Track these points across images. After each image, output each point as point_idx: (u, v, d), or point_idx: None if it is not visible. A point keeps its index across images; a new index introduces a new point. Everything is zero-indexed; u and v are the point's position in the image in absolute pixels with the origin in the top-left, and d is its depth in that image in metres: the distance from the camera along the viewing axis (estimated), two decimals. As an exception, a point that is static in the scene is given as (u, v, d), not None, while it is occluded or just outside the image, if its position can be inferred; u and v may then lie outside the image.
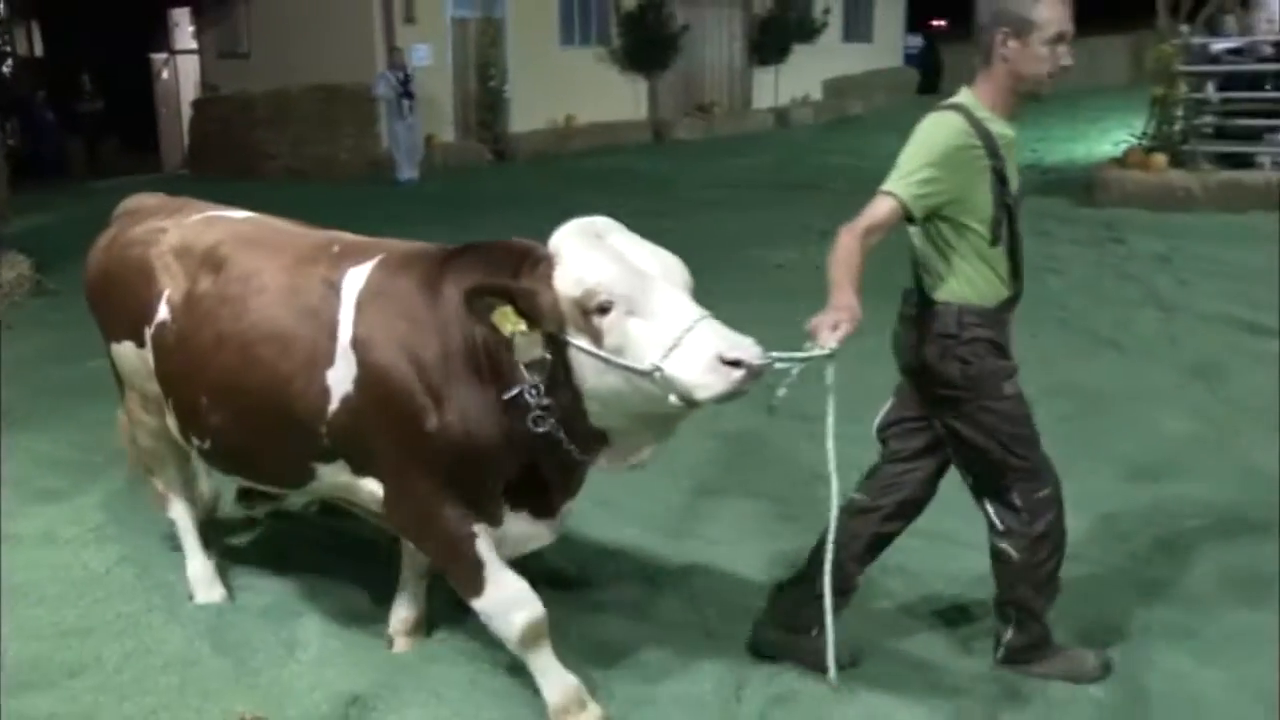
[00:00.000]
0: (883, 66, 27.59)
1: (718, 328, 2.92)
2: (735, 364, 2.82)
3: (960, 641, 3.89)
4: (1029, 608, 3.56)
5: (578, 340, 3.01)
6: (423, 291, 3.28)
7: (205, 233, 3.85)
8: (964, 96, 3.43)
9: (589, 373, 3.03)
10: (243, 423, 3.59)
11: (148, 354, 3.89)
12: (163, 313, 3.79)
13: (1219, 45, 13.62)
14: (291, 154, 17.96)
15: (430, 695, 3.58)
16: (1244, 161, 13.05)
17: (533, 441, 3.15)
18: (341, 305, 3.37)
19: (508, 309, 3.01)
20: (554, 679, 3.39)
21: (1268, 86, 13.37)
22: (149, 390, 3.99)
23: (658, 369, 2.88)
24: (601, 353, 2.97)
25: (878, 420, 3.70)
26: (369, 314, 3.32)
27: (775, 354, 2.96)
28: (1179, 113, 13.07)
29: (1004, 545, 3.51)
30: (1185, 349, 7.24)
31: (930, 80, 28.41)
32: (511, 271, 3.13)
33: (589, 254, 3.04)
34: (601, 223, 3.20)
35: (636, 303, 2.96)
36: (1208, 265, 9.47)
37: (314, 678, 3.68)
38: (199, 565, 4.26)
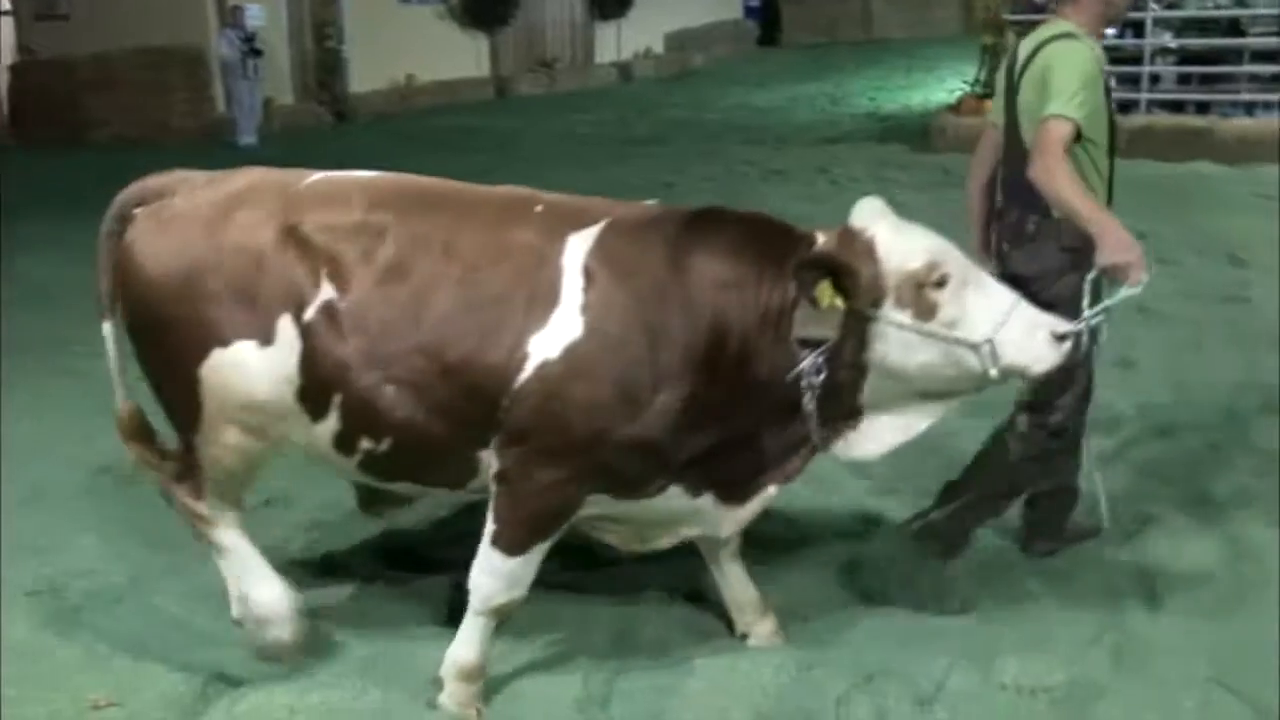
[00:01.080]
0: (723, 19, 27.78)
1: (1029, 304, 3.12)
2: (1062, 338, 3.04)
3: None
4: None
5: (897, 314, 3.06)
6: (665, 263, 3.14)
7: (339, 201, 3.32)
8: (1066, 25, 3.73)
9: (896, 347, 3.09)
10: (433, 412, 3.17)
11: (285, 352, 3.21)
12: (324, 295, 3.18)
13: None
14: (121, 120, 17.29)
15: (301, 673, 3.52)
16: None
17: (773, 421, 3.21)
18: (565, 272, 3.13)
19: (827, 283, 2.99)
20: (478, 645, 3.33)
21: (1111, 32, 13.96)
22: (269, 402, 3.27)
23: (989, 341, 3.02)
24: (928, 326, 3.05)
25: None
26: (601, 282, 3.12)
27: (1087, 313, 3.26)
28: (1003, 60, 13.54)
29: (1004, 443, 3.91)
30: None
31: (770, 32, 28.71)
32: (785, 247, 3.17)
33: (914, 230, 3.13)
34: (881, 202, 3.24)
35: (969, 277, 3.08)
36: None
37: (172, 661, 3.62)
38: (278, 591, 3.56)
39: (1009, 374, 3.10)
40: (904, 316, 3.06)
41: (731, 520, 3.42)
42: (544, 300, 3.10)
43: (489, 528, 3.23)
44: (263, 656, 3.55)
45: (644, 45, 24.41)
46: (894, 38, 27.57)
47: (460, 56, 20.71)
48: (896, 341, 3.08)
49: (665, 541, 3.50)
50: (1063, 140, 3.51)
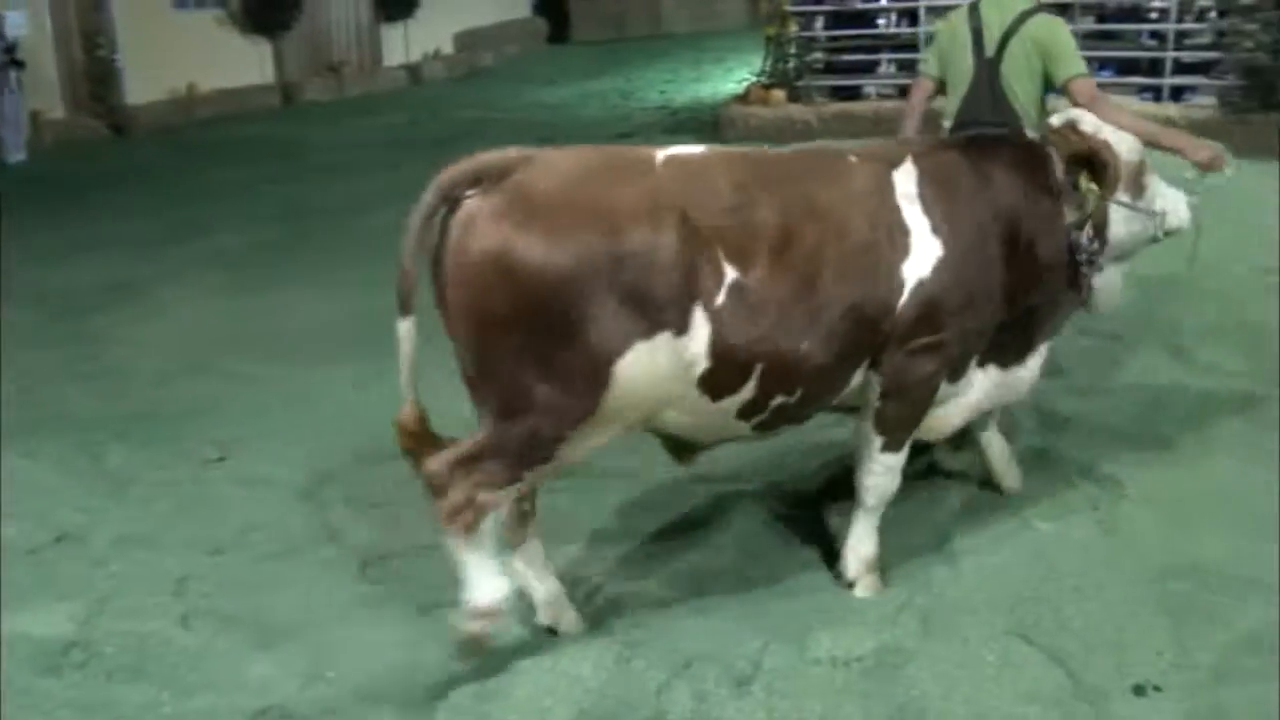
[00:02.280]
0: (512, 17, 27.66)
1: None
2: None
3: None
4: None
5: (1124, 196, 3.99)
6: (971, 180, 3.78)
7: (705, 180, 3.36)
8: (1029, 1, 4.58)
9: (1121, 222, 4.01)
10: (834, 354, 3.52)
11: (694, 337, 3.25)
12: (729, 277, 3.27)
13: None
14: None
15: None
16: (853, 93, 14.11)
17: (1060, 292, 4.00)
18: (905, 205, 3.64)
19: (1086, 174, 3.87)
20: (875, 536, 3.91)
21: (882, 23, 14.48)
22: (672, 390, 3.30)
23: (1163, 212, 4.09)
24: (1140, 204, 4.04)
25: None
26: (938, 205, 3.67)
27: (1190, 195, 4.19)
28: (792, 50, 13.86)
29: None
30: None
31: (559, 29, 28.66)
32: (1040, 153, 3.98)
33: (1121, 131, 4.04)
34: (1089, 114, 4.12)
35: (1149, 168, 4.07)
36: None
37: None
38: (553, 587, 3.70)
39: (1168, 235, 4.18)
40: (1127, 197, 4.00)
41: (1010, 387, 4.12)
42: (900, 232, 3.60)
43: (874, 440, 3.78)
44: (463, 648, 3.47)
45: (433, 46, 24.08)
46: (682, 32, 27.92)
47: (243, 63, 20.04)
48: (1121, 217, 4.00)
49: (959, 420, 4.05)
50: (1096, 90, 4.40)
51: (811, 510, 4.48)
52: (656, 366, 3.24)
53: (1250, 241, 7.91)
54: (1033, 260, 3.87)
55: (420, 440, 3.42)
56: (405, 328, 3.31)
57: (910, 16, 14.25)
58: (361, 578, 4.20)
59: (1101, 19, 13.76)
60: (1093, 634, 3.62)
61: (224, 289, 7.98)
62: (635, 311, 3.16)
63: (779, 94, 13.55)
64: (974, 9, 4.67)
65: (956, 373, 3.87)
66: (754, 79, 14.12)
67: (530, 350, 3.15)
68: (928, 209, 3.66)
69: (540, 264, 3.09)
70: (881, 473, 3.84)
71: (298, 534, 4.52)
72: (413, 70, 22.70)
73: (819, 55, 14.19)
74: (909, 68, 14.11)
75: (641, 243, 3.16)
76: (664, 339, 3.21)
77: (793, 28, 13.78)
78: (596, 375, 3.18)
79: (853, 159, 3.71)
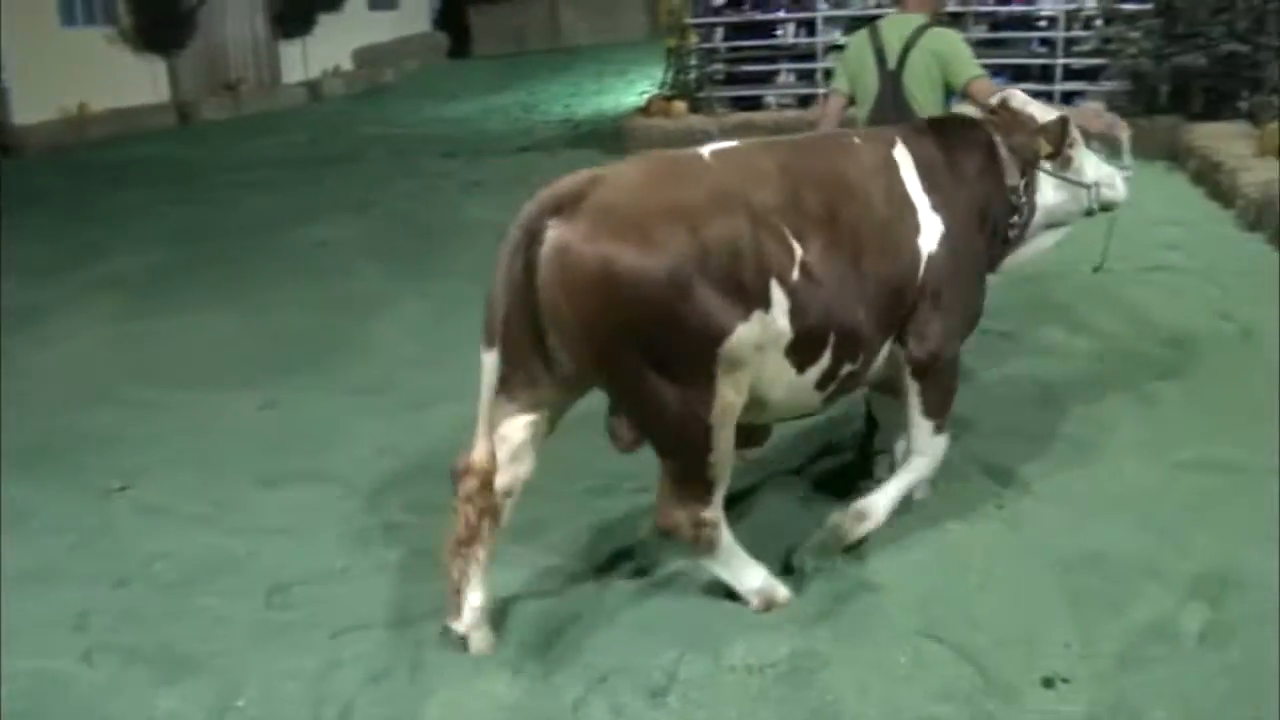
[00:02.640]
0: (412, 33, 27.52)
1: None
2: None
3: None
4: None
5: (1050, 166, 4.28)
6: (949, 155, 4.11)
7: (754, 171, 3.60)
8: (920, 17, 5.10)
9: (1047, 191, 4.31)
10: (881, 324, 3.82)
11: (777, 312, 3.48)
12: (799, 254, 3.52)
13: (718, -2, 14.77)
14: None
15: None
16: (754, 103, 14.27)
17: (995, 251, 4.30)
18: (908, 181, 3.95)
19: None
20: (892, 503, 4.14)
21: (778, 33, 14.65)
22: (768, 367, 3.55)
23: (1096, 184, 4.37)
24: (1068, 174, 4.32)
25: None
26: (930, 182, 3.98)
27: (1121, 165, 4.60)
28: (692, 62, 13.97)
29: None
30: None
31: (461, 43, 28.56)
32: (984, 130, 4.29)
33: (1049, 108, 4.38)
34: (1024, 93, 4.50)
35: (1079, 140, 4.36)
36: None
37: None
38: (763, 571, 3.88)
39: (1102, 208, 4.47)
40: (1052, 168, 4.28)
41: None
42: (910, 208, 3.91)
43: (922, 423, 4.11)
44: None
45: (332, 62, 23.85)
46: (583, 44, 28.00)
47: (136, 82, 19.63)
48: (1050, 185, 4.31)
49: None
50: (994, 87, 4.78)
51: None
52: (755, 345, 3.45)
53: (1140, 241, 8.15)
54: (991, 230, 4.23)
55: (485, 482, 3.50)
56: (490, 360, 3.38)
57: (808, 27, 14.46)
58: (268, 605, 4.11)
59: (994, 27, 14.12)
60: (1001, 630, 3.68)
61: (123, 314, 7.79)
62: (729, 297, 3.34)
63: (680, 105, 13.65)
64: (874, 30, 5.18)
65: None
66: (656, 91, 14.23)
67: (651, 356, 3.31)
68: (925, 187, 4.00)
69: (642, 273, 3.22)
70: (932, 449, 4.20)
71: (202, 563, 4.41)
72: (312, 87, 22.45)
73: (719, 66, 14.34)
74: (808, 77, 14.35)
75: (722, 233, 3.35)
76: (756, 317, 3.42)
77: (692, 39, 13.92)
78: (709, 363, 3.36)
79: (856, 140, 4.08)
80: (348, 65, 24.54)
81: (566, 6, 29.69)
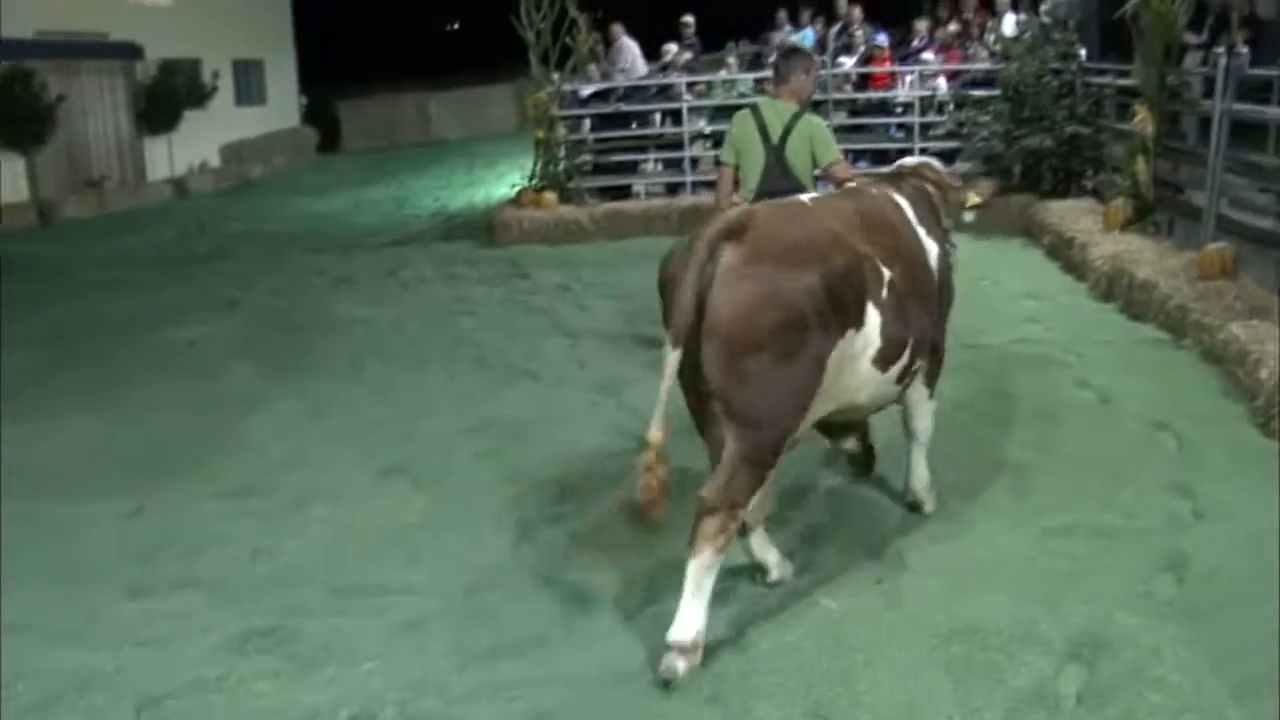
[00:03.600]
0: (280, 128, 27.27)
1: None
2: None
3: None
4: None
5: (969, 215, 5.44)
6: (918, 198, 5.10)
7: (839, 213, 4.52)
8: (792, 104, 6.28)
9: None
10: (926, 326, 4.77)
11: (870, 325, 4.35)
12: (886, 275, 4.43)
13: (585, 90, 14.96)
14: None
15: None
16: (623, 193, 14.46)
17: None
18: (907, 214, 4.91)
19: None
20: (926, 466, 5.29)
21: (633, 125, 14.92)
22: (854, 370, 4.38)
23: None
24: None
25: None
26: (919, 215, 4.95)
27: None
28: (561, 153, 14.10)
29: None
30: (592, 370, 7.84)
31: (330, 138, 28.37)
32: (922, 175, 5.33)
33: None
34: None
35: None
36: (603, 290, 10.35)
37: None
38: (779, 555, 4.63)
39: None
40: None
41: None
42: (918, 236, 4.87)
43: (924, 392, 5.08)
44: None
45: (199, 159, 23.50)
46: (453, 138, 28.08)
47: (-8, 181, 19.08)
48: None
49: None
50: (849, 169, 6.40)
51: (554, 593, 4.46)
52: (850, 357, 4.30)
53: (1002, 314, 8.43)
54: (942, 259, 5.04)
55: (664, 478, 3.98)
56: (674, 358, 3.99)
57: (674, 117, 14.73)
58: (137, 722, 3.94)
59: (854, 113, 14.63)
60: (885, 706, 3.71)
61: (-20, 420, 7.49)
62: (838, 315, 4.18)
63: (550, 196, 13.71)
64: (756, 112, 6.33)
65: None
66: (526, 182, 14.25)
67: (785, 360, 4.03)
68: (918, 220, 4.94)
69: (794, 293, 4.05)
70: (931, 415, 5.18)
71: (67, 680, 4.21)
72: (178, 184, 22.03)
73: (587, 157, 14.51)
74: (675, 166, 14.60)
75: (839, 264, 4.22)
76: (851, 333, 4.27)
77: (560, 131, 14.04)
78: (818, 372, 4.16)
79: (875, 191, 5.02)
80: (215, 161, 24.18)
81: (436, 101, 29.81)
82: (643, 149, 15.00)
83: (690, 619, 3.98)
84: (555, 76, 14.02)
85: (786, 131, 6.22)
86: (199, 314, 10.34)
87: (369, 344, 8.97)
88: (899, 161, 5.66)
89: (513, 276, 11.30)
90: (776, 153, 6.23)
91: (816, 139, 6.22)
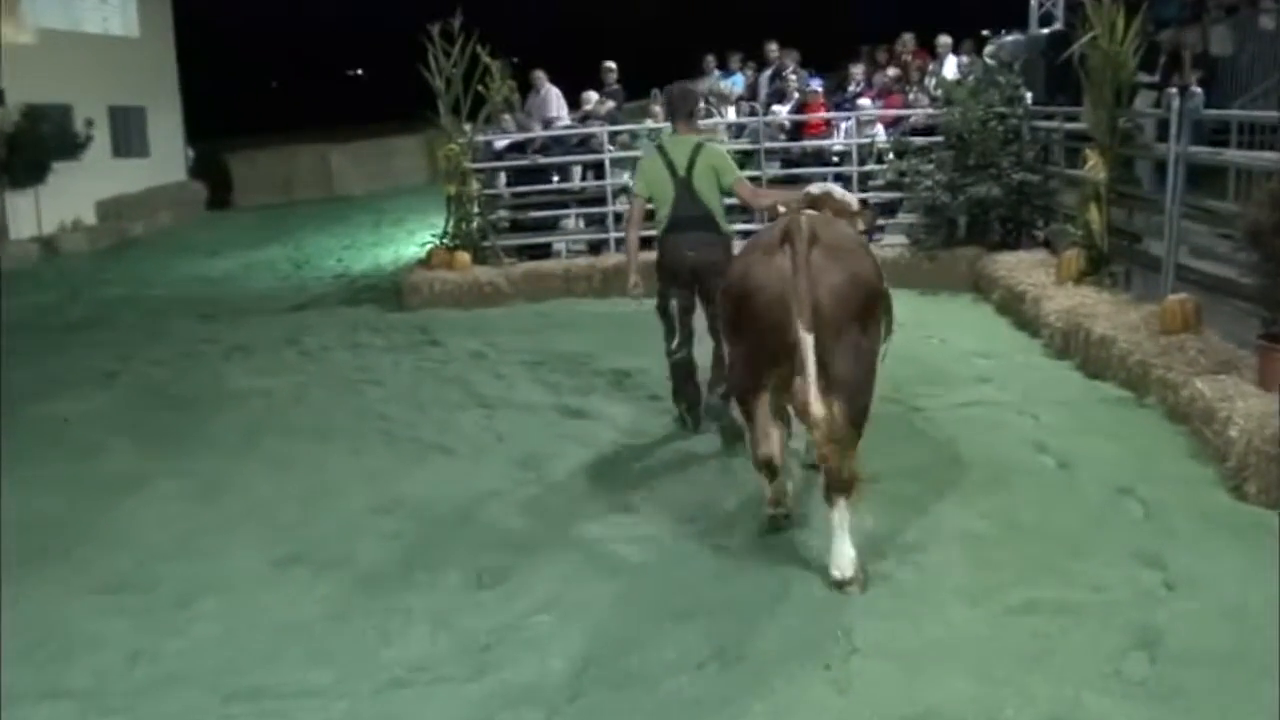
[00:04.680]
0: (165, 182, 26.97)
1: None
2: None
3: None
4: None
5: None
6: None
7: (834, 223, 6.05)
8: (695, 136, 7.64)
9: None
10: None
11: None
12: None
13: (500, 142, 15.01)
14: None
15: None
16: (542, 251, 14.47)
17: None
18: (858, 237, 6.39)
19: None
20: None
21: (553, 179, 14.97)
22: None
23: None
24: None
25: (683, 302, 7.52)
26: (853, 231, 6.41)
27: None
28: (475, 209, 14.08)
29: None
30: (511, 444, 7.80)
31: (220, 193, 28.08)
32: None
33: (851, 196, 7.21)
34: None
35: None
36: (521, 356, 10.33)
37: None
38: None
39: None
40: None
41: None
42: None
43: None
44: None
45: (71, 215, 23.11)
46: (357, 193, 28.02)
47: None
48: None
49: None
50: (751, 185, 7.89)
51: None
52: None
53: (952, 374, 8.52)
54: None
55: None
56: (810, 341, 5.16)
57: (596, 170, 14.79)
58: None
59: (787, 164, 14.77)
60: (839, 805, 3.66)
61: None
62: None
63: (464, 256, 13.67)
64: (662, 149, 7.59)
65: None
66: (437, 241, 14.21)
67: (867, 320, 5.53)
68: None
69: (866, 277, 5.57)
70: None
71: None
72: (47, 243, 21.60)
73: (503, 213, 14.54)
74: (598, 222, 14.65)
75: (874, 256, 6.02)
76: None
77: (474, 185, 14.02)
78: (881, 328, 5.86)
79: (830, 214, 6.26)
80: (90, 218, 23.79)
81: (338, 153, 29.72)
82: (563, 204, 15.06)
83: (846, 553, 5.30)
84: (468, 127, 14.05)
85: (691, 163, 7.39)
86: (75, 388, 10.14)
87: (265, 418, 8.87)
88: (806, 189, 6.90)
89: (423, 343, 11.25)
90: (684, 183, 7.40)
91: (717, 165, 7.44)
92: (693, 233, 7.41)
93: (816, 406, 5.16)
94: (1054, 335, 9.33)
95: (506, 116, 15.21)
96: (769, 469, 5.83)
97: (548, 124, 15.63)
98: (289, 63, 43.64)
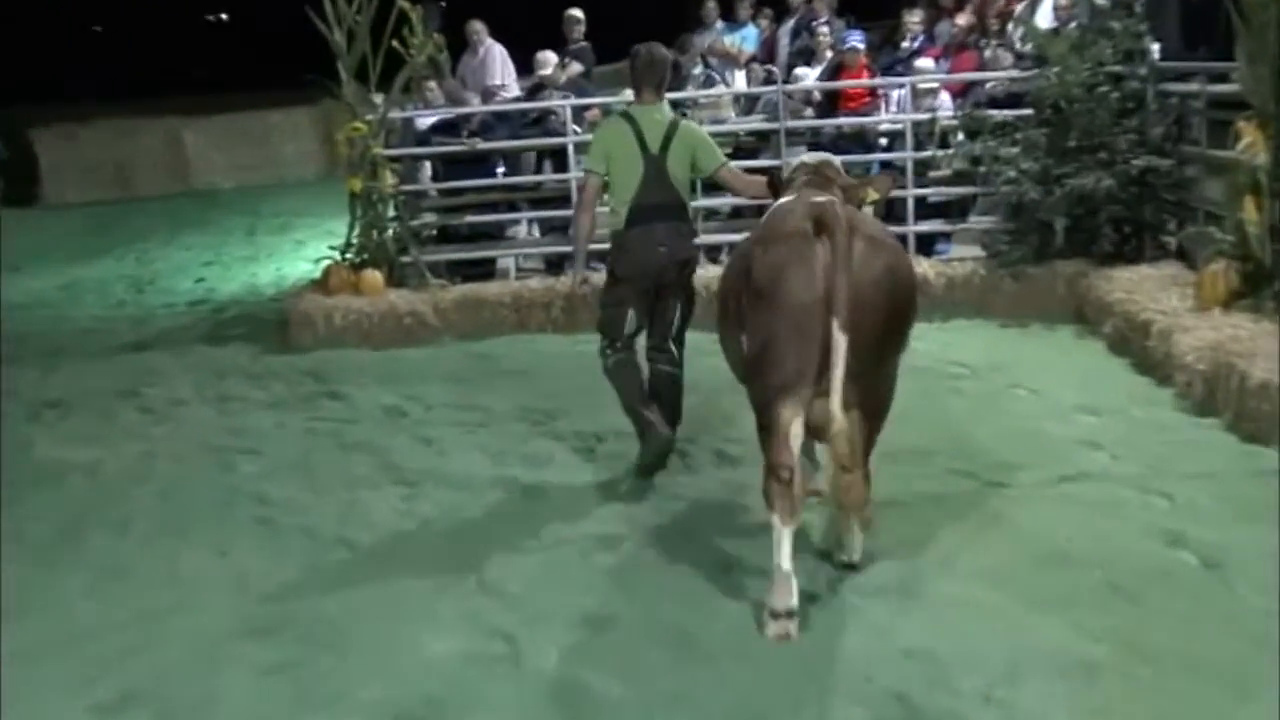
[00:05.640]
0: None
1: None
2: None
3: None
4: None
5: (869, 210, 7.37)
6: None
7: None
8: (668, 108, 8.61)
9: None
10: None
11: None
12: None
13: (425, 120, 14.96)
14: None
15: None
16: (483, 270, 14.28)
17: None
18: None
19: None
20: None
21: (499, 171, 14.82)
22: None
23: None
24: None
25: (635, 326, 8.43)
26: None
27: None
28: (390, 212, 13.96)
29: (679, 371, 8.57)
30: (440, 535, 7.77)
31: (23, 186, 27.61)
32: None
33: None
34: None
35: None
36: (454, 414, 10.34)
37: None
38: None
39: None
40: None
41: None
42: None
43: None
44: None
45: None
46: (225, 187, 28.01)
47: None
48: None
49: None
50: (736, 169, 8.90)
51: None
52: None
53: (1050, 440, 8.47)
54: None
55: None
56: (843, 343, 5.94)
57: (556, 159, 14.74)
58: None
59: (816, 150, 14.41)
60: None
61: None
62: None
63: (375, 277, 13.55)
64: (629, 118, 8.36)
65: None
66: (337, 256, 14.10)
67: (904, 339, 6.72)
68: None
69: (909, 277, 6.77)
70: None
71: None
72: None
73: (430, 218, 14.46)
74: (559, 230, 14.45)
75: None
76: None
77: (389, 180, 13.94)
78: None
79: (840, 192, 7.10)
80: None
81: (194, 130, 29.55)
82: (512, 206, 14.98)
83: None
84: (378, 99, 14.03)
85: (667, 140, 8.23)
86: None
87: (90, 504, 8.81)
88: (800, 159, 7.73)
89: (318, 396, 11.23)
90: (656, 164, 8.23)
91: (698, 148, 8.33)
92: (665, 224, 8.24)
93: (839, 415, 6.09)
94: (1192, 382, 9.28)
95: (433, 84, 15.20)
96: (784, 481, 6.28)
97: (489, 95, 15.61)
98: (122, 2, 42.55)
